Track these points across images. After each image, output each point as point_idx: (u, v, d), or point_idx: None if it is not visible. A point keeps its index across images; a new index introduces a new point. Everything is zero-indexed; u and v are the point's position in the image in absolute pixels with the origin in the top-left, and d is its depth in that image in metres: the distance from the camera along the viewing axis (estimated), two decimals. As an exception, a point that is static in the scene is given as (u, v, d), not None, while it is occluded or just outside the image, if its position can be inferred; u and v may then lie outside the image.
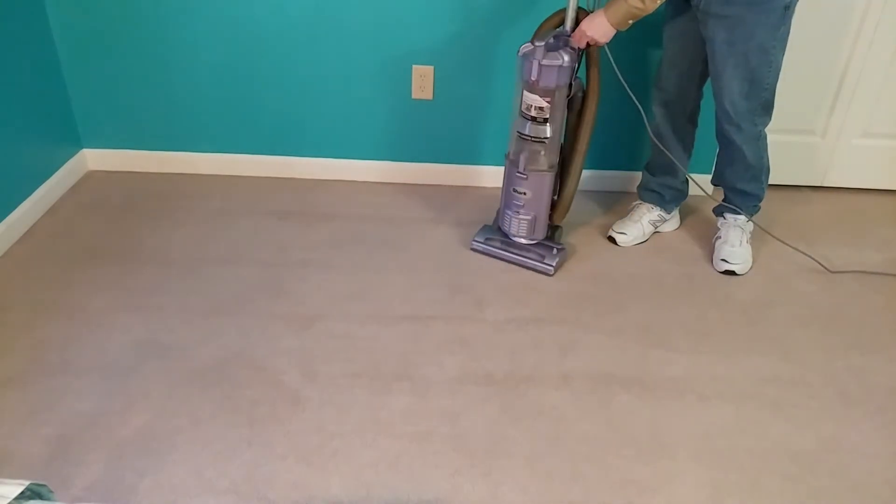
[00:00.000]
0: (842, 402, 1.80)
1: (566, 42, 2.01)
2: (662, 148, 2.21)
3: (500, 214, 2.30)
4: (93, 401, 1.71)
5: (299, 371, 1.82)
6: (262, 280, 2.14)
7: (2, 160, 2.22)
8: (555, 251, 2.23)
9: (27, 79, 2.32)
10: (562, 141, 2.17)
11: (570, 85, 2.04)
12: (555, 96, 2.02)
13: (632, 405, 1.76)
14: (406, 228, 2.42)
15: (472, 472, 1.58)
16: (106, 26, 2.41)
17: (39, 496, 0.87)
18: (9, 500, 0.84)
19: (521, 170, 2.12)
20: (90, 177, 2.65)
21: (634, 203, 2.44)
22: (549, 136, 2.08)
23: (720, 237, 2.30)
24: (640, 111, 2.10)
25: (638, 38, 2.40)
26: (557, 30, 2.03)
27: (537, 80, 1.99)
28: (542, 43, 1.95)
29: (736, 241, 2.25)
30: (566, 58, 1.96)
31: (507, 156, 2.20)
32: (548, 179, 2.16)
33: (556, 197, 2.25)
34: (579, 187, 2.25)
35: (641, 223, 2.36)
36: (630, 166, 2.65)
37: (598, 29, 1.92)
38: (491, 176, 2.65)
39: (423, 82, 2.50)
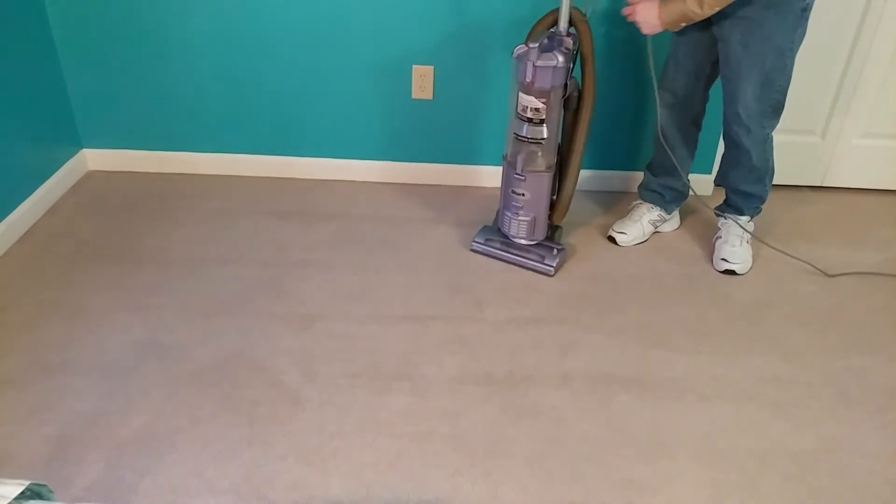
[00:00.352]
0: (842, 402, 1.80)
1: (560, 42, 2.01)
2: (667, 148, 2.21)
3: (499, 216, 2.30)
4: (93, 401, 1.71)
5: (299, 371, 1.82)
6: (262, 280, 2.14)
7: (2, 160, 2.22)
8: (555, 251, 2.23)
9: (27, 79, 2.32)
10: (559, 141, 2.17)
11: (566, 85, 2.04)
12: (550, 97, 2.02)
13: (632, 405, 1.76)
14: (406, 228, 2.42)
15: (472, 472, 1.58)
16: (106, 26, 2.41)
17: (39, 496, 0.87)
18: (9, 500, 0.84)
19: (518, 171, 2.12)
20: (90, 177, 2.65)
21: (634, 203, 2.44)
22: (545, 136, 2.08)
23: (720, 237, 2.30)
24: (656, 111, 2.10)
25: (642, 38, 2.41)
26: (551, 30, 2.03)
27: (532, 82, 1.99)
28: (536, 44, 1.95)
29: (736, 241, 2.25)
30: (560, 58, 1.96)
31: (504, 157, 2.20)
32: (546, 180, 2.16)
33: (554, 197, 2.25)
34: (578, 187, 2.25)
35: (641, 223, 2.36)
36: (629, 166, 2.65)
37: (648, 21, 1.91)
38: (491, 176, 2.65)
39: (423, 82, 2.50)
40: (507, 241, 2.29)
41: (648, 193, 2.39)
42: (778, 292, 2.18)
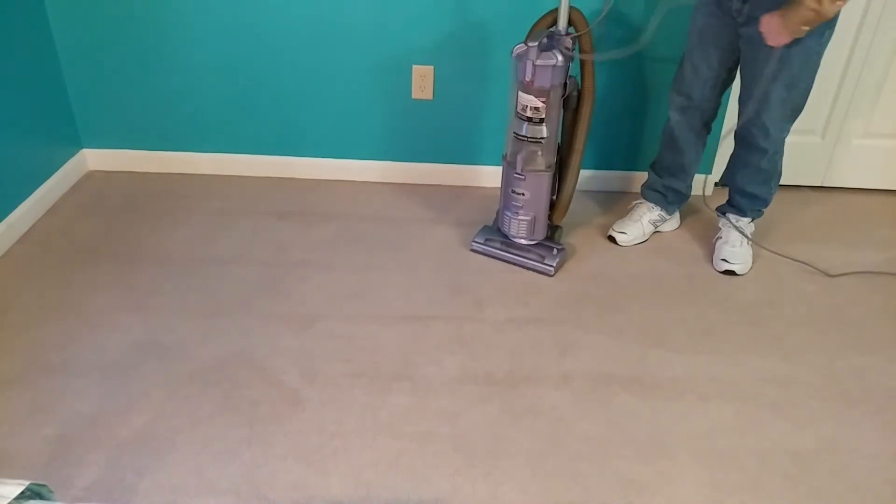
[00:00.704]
0: (842, 402, 1.80)
1: (559, 42, 2.01)
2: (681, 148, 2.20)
3: (499, 215, 2.30)
4: (93, 401, 1.71)
5: (299, 371, 1.82)
6: (262, 280, 2.14)
7: (2, 160, 2.22)
8: (555, 251, 2.23)
9: (27, 79, 2.32)
10: (559, 141, 2.17)
11: (565, 84, 2.04)
12: (550, 96, 2.02)
13: (632, 405, 1.76)
14: (406, 228, 2.42)
15: (472, 472, 1.58)
16: (106, 26, 2.41)
17: (39, 496, 0.87)
18: (9, 500, 0.84)
19: (518, 171, 2.12)
20: (90, 177, 2.65)
21: (635, 202, 2.44)
22: (545, 136, 2.08)
23: (721, 237, 2.30)
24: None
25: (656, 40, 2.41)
26: (550, 29, 2.03)
27: (532, 81, 1.99)
28: (536, 43, 1.95)
29: (737, 241, 2.25)
30: (560, 57, 1.96)
31: (504, 157, 2.20)
32: (546, 180, 2.16)
33: (554, 197, 2.25)
34: (578, 187, 2.25)
35: (642, 223, 2.36)
36: (629, 166, 2.65)
37: (773, 32, 1.83)
38: (491, 176, 2.65)
39: (423, 82, 2.50)
40: (507, 241, 2.28)
41: (651, 193, 2.39)
42: (778, 292, 2.18)
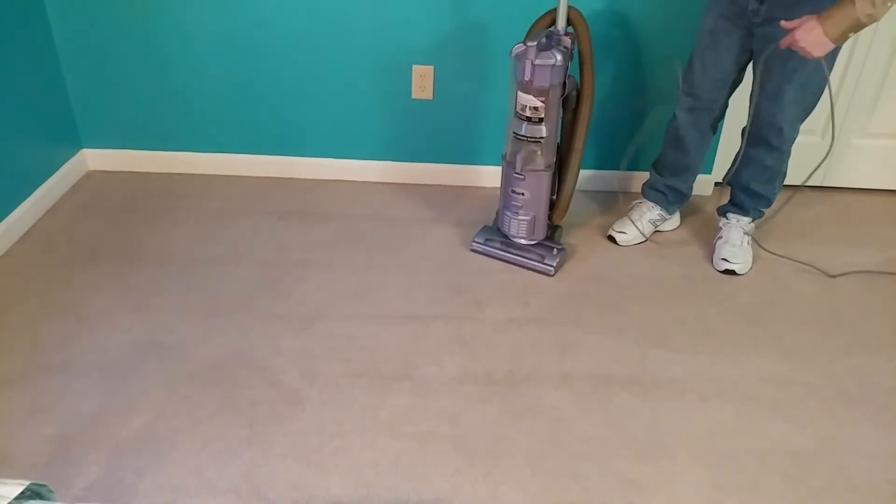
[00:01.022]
0: (842, 402, 1.80)
1: (558, 41, 2.01)
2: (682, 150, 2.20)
3: (499, 215, 2.30)
4: (93, 401, 1.71)
5: (299, 371, 1.82)
6: (262, 280, 2.14)
7: (2, 160, 2.22)
8: (555, 251, 2.23)
9: (27, 79, 2.32)
10: (558, 141, 2.17)
11: (564, 84, 2.04)
12: (549, 96, 2.02)
13: (632, 405, 1.76)
14: (406, 228, 2.42)
15: (472, 472, 1.58)
16: (106, 26, 2.41)
17: (39, 496, 0.87)
18: (9, 500, 0.84)
19: (518, 170, 2.12)
20: (90, 177, 2.65)
21: (636, 201, 2.44)
22: (544, 135, 2.08)
23: (721, 237, 2.29)
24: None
25: (650, 39, 2.41)
26: (549, 29, 2.03)
27: (531, 81, 1.99)
28: (535, 43, 1.95)
29: (737, 241, 2.25)
30: (559, 57, 1.96)
31: (503, 157, 2.20)
32: (545, 179, 2.16)
33: (554, 197, 2.25)
34: (578, 187, 2.25)
35: (642, 222, 2.36)
36: (629, 166, 2.65)
37: (816, 42, 1.72)
38: (491, 176, 2.65)
39: (423, 82, 2.50)
40: (506, 241, 2.29)
41: (652, 192, 2.38)
42: (778, 292, 2.18)
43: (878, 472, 1.61)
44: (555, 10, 2.02)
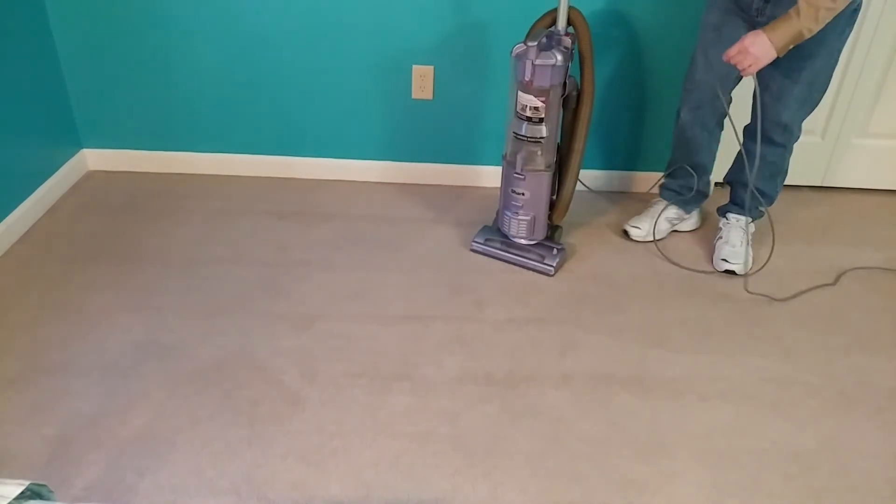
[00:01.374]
0: (842, 402, 1.80)
1: (559, 41, 2.01)
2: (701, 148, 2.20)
3: (499, 215, 2.30)
4: (93, 401, 1.71)
5: (299, 371, 1.82)
6: (262, 280, 2.14)
7: (2, 160, 2.22)
8: (555, 251, 2.23)
9: (27, 79, 2.32)
10: (558, 141, 2.17)
11: (565, 84, 2.04)
12: (549, 96, 2.02)
13: (632, 405, 1.76)
14: (406, 228, 2.42)
15: (472, 472, 1.58)
16: (106, 26, 2.41)
17: (39, 496, 0.87)
18: (9, 500, 0.84)
19: (518, 170, 2.12)
20: (90, 177, 2.65)
21: (654, 200, 2.43)
22: (545, 135, 2.08)
23: (721, 237, 2.29)
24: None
25: (655, 40, 2.41)
26: (549, 29, 2.03)
27: (531, 81, 1.99)
28: (535, 43, 1.95)
29: (737, 241, 2.25)
30: (559, 57, 1.96)
31: (504, 157, 2.20)
32: (545, 179, 2.16)
33: (554, 197, 2.25)
34: (579, 187, 2.25)
35: (659, 220, 2.36)
36: (630, 166, 2.65)
37: (764, 53, 1.80)
38: (491, 176, 2.65)
39: (423, 82, 2.50)
40: (507, 241, 2.28)
41: (668, 193, 2.38)
42: (778, 292, 2.18)
43: (878, 472, 1.61)
44: (555, 10, 2.02)
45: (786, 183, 2.26)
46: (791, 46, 1.80)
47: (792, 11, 1.75)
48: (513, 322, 2.02)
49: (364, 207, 2.54)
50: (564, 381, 1.83)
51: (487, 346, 1.93)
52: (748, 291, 2.15)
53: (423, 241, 2.36)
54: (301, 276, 2.16)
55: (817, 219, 2.57)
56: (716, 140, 2.27)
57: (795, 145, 2.15)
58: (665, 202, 2.39)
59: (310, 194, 2.60)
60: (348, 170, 2.68)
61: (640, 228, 2.36)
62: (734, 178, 2.27)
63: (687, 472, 1.60)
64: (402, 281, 2.16)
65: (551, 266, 2.20)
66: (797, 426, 1.73)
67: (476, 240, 2.31)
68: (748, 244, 2.27)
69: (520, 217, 2.22)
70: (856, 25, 2.38)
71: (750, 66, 1.84)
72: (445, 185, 2.69)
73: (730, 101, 2.19)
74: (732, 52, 1.86)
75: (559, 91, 2.04)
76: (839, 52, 1.93)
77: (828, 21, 1.74)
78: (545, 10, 2.08)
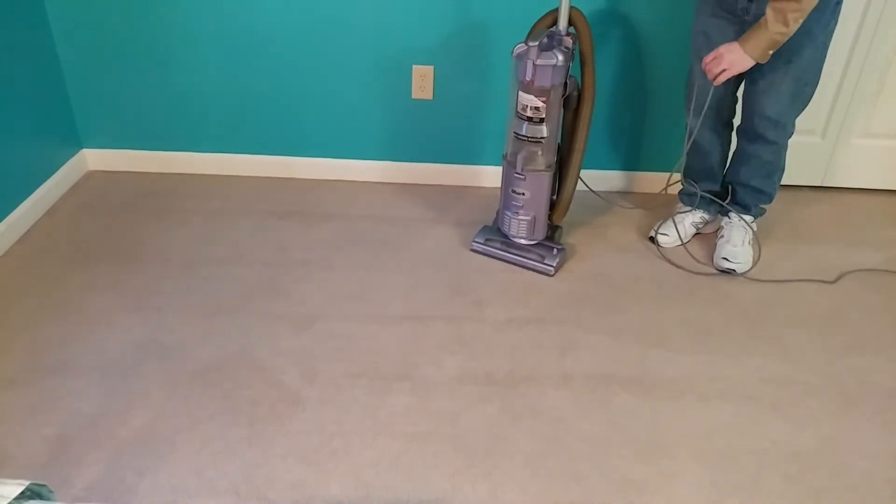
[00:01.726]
0: (842, 402, 1.80)
1: (560, 41, 2.01)
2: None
3: (499, 215, 2.30)
4: (93, 401, 1.71)
5: (299, 371, 1.82)
6: (262, 280, 2.14)
7: (2, 160, 2.22)
8: (555, 251, 2.23)
9: (27, 79, 2.32)
10: (559, 141, 2.17)
11: (565, 84, 2.04)
12: (550, 96, 2.02)
13: (632, 405, 1.76)
14: (406, 228, 2.42)
15: (472, 472, 1.58)
16: (106, 26, 2.41)
17: (39, 496, 0.87)
18: (9, 500, 0.84)
19: (518, 170, 2.12)
20: (90, 177, 2.65)
21: (676, 205, 2.43)
22: (545, 135, 2.08)
23: (722, 236, 2.29)
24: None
25: (652, 41, 2.41)
26: (551, 29, 2.03)
27: (532, 80, 1.99)
28: (536, 43, 1.95)
29: (738, 240, 2.25)
30: (560, 57, 1.96)
31: (504, 157, 2.20)
32: (546, 179, 2.16)
33: (555, 197, 2.25)
34: (579, 187, 2.25)
35: (684, 224, 2.36)
36: (631, 166, 2.65)
37: (739, 61, 1.87)
38: (491, 176, 2.65)
39: (423, 82, 2.50)
40: (507, 241, 2.28)
41: (688, 198, 2.38)
42: (778, 292, 2.18)
43: (878, 472, 1.61)
44: (556, 10, 2.02)
45: (786, 183, 2.26)
46: (771, 52, 1.84)
47: (762, 19, 1.80)
48: (513, 322, 2.02)
49: (364, 207, 2.54)
50: (564, 381, 1.83)
51: (487, 346, 1.93)
52: (748, 278, 2.15)
53: (423, 241, 2.36)
54: (301, 276, 2.16)
55: (817, 219, 2.57)
56: (726, 141, 2.27)
57: (796, 145, 2.15)
58: (687, 207, 2.39)
59: (310, 194, 2.60)
60: (348, 170, 2.68)
61: (668, 235, 2.35)
62: (734, 178, 2.27)
63: (687, 472, 1.60)
64: (402, 281, 2.16)
65: (551, 266, 2.20)
66: (797, 426, 1.73)
67: (476, 240, 2.31)
68: (749, 243, 2.27)
69: (520, 217, 2.22)
70: (856, 26, 2.40)
71: (722, 72, 1.90)
72: (445, 185, 2.69)
73: (735, 100, 2.19)
74: (708, 59, 1.92)
75: (560, 91, 2.04)
76: (826, 45, 1.94)
77: (801, 22, 1.77)
78: (546, 10, 2.08)
